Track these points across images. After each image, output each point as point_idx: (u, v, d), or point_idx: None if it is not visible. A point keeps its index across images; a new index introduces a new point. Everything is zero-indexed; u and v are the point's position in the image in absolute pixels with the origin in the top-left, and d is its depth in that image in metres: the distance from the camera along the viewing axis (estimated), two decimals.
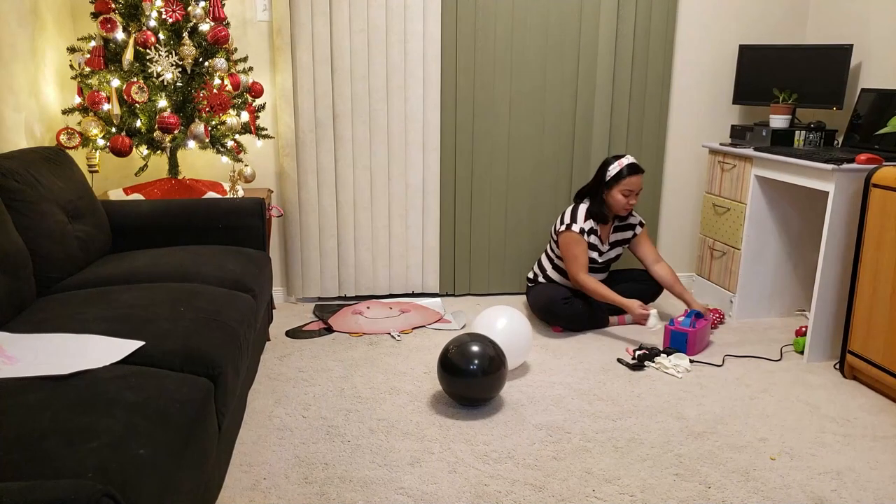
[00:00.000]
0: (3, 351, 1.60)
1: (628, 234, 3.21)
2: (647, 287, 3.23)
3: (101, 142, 2.68)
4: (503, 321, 2.58)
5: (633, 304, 2.96)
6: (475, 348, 2.32)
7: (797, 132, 3.19)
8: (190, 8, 2.72)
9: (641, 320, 2.94)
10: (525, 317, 2.66)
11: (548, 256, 3.24)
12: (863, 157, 2.63)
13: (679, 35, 3.53)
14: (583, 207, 3.10)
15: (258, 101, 3.16)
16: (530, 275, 3.31)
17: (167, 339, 1.71)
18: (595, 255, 3.13)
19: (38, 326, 1.76)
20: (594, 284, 3.02)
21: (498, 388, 2.36)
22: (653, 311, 2.92)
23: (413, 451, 2.13)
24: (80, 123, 2.67)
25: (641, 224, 3.21)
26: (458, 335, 2.42)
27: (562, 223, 3.09)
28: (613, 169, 3.05)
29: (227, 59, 2.83)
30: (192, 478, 1.41)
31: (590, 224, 3.08)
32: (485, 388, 2.32)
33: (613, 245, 3.21)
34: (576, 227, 3.05)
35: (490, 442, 2.19)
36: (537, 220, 3.61)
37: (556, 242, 3.15)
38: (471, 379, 2.30)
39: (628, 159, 3.05)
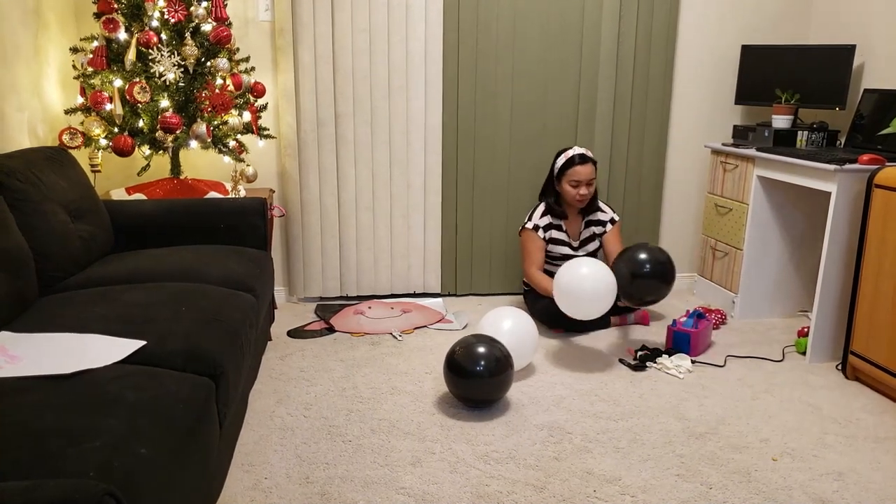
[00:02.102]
0: (6, 350, 1.60)
1: (600, 229, 3.22)
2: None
3: (103, 142, 2.69)
4: (509, 322, 2.58)
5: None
6: (482, 349, 2.32)
7: (799, 132, 3.19)
8: (192, 8, 2.72)
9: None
10: (530, 317, 2.66)
11: None
12: (865, 157, 2.63)
13: (681, 35, 3.52)
14: (542, 205, 3.15)
15: (260, 101, 3.16)
16: (525, 279, 3.31)
17: (169, 339, 1.71)
18: (566, 249, 3.15)
19: (41, 326, 1.77)
20: (539, 279, 3.04)
21: (505, 389, 2.36)
22: None
23: (414, 451, 2.13)
24: (82, 123, 2.67)
25: (613, 221, 3.21)
26: (464, 336, 2.42)
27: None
28: (560, 161, 3.08)
29: (229, 59, 2.84)
30: (193, 477, 1.41)
31: (546, 220, 3.11)
32: (491, 390, 2.32)
33: (585, 241, 3.21)
34: (529, 224, 3.11)
35: (491, 442, 2.19)
36: None
37: None
38: (477, 380, 2.30)
39: (575, 150, 3.07)
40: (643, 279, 2.64)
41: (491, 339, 2.38)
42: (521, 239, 3.15)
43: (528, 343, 2.59)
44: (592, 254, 3.25)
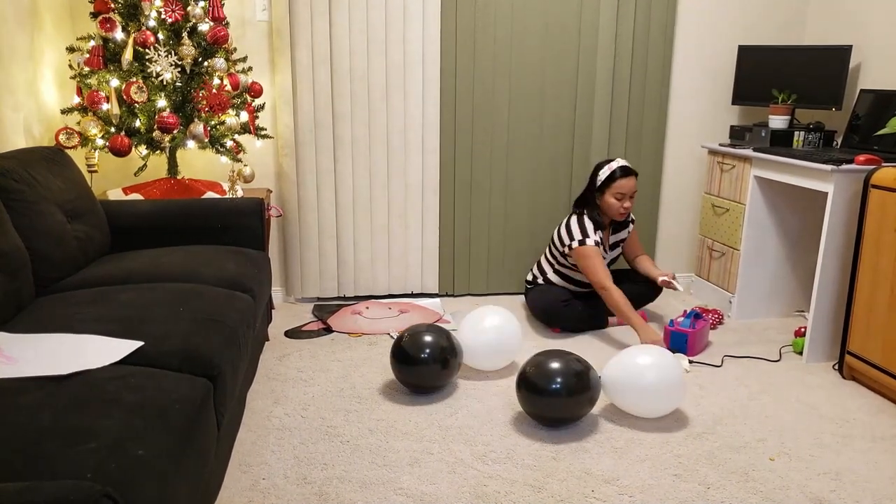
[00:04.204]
0: (2, 351, 1.60)
1: (624, 233, 3.22)
2: (645, 289, 3.23)
3: (100, 142, 2.68)
4: (493, 320, 2.59)
5: (649, 333, 2.84)
6: (428, 338, 2.41)
7: (796, 133, 3.19)
8: (189, 8, 2.72)
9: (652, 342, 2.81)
10: (514, 316, 2.66)
11: (548, 260, 3.22)
12: (862, 157, 2.63)
13: (678, 35, 3.53)
14: (588, 219, 3.04)
15: (257, 101, 3.16)
16: (529, 276, 3.30)
17: (166, 340, 1.71)
18: None
19: (37, 326, 1.76)
20: (620, 296, 2.90)
21: (449, 377, 2.47)
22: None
23: (412, 452, 2.13)
24: (79, 123, 2.67)
25: (632, 221, 3.24)
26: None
27: (571, 238, 3.02)
28: (604, 173, 3.02)
29: (227, 59, 2.83)
30: (190, 478, 1.41)
31: (599, 234, 3.05)
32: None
33: (613, 246, 3.21)
34: (590, 241, 2.98)
35: (489, 442, 2.19)
36: (536, 220, 3.61)
37: (562, 253, 3.11)
38: (423, 367, 2.39)
39: (619, 162, 3.02)
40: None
41: (440, 328, 2.47)
42: (579, 255, 2.99)
43: (512, 341, 2.60)
44: (615, 259, 3.25)
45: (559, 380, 2.16)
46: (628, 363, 2.28)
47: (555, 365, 2.19)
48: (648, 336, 2.83)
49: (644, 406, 2.27)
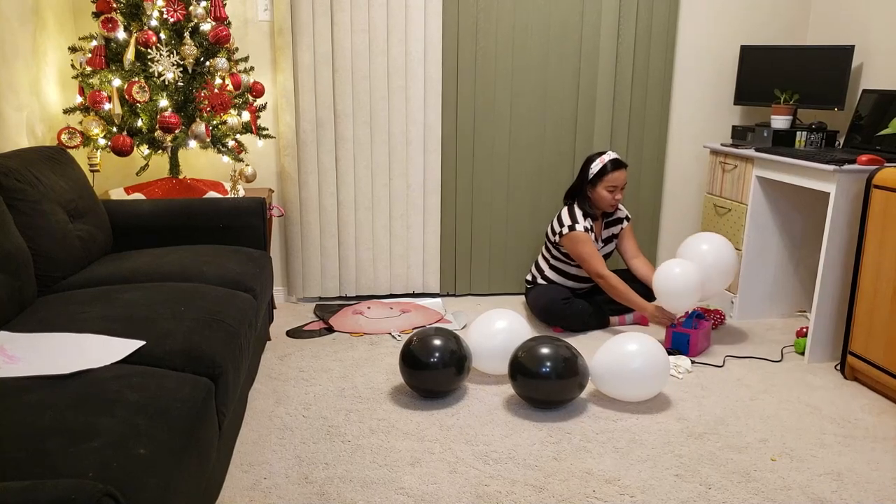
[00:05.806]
0: (5, 350, 1.60)
1: (617, 228, 3.24)
2: (645, 290, 3.23)
3: (102, 141, 2.68)
4: (502, 323, 2.58)
5: (652, 308, 2.97)
6: (438, 342, 2.39)
7: (798, 133, 3.19)
8: (191, 7, 2.72)
9: (661, 322, 2.97)
10: (524, 318, 2.66)
11: (544, 258, 3.24)
12: (864, 158, 2.63)
13: (680, 35, 3.52)
14: (578, 208, 3.12)
15: (259, 101, 3.16)
16: (528, 277, 3.31)
17: (168, 339, 1.71)
18: None
19: (40, 326, 1.76)
20: (617, 281, 3.02)
21: (462, 381, 2.47)
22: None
23: (413, 451, 2.13)
24: (81, 123, 2.67)
25: (628, 218, 3.24)
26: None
27: (561, 225, 3.10)
28: (596, 166, 3.07)
29: (229, 59, 2.83)
30: (192, 477, 1.41)
31: (588, 222, 3.10)
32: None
33: (606, 241, 3.22)
34: (580, 227, 3.06)
35: (490, 442, 2.19)
36: (539, 219, 3.61)
37: (554, 244, 3.16)
38: (437, 372, 2.37)
39: (610, 155, 3.07)
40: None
41: (448, 332, 2.45)
42: (569, 242, 3.06)
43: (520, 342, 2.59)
44: (608, 255, 3.26)
45: (548, 363, 2.30)
46: (614, 350, 2.41)
47: (545, 350, 2.33)
48: (652, 311, 2.98)
49: (629, 390, 2.40)
